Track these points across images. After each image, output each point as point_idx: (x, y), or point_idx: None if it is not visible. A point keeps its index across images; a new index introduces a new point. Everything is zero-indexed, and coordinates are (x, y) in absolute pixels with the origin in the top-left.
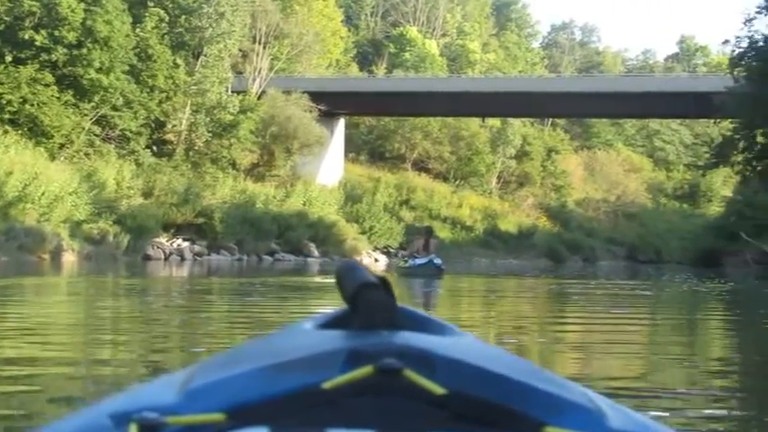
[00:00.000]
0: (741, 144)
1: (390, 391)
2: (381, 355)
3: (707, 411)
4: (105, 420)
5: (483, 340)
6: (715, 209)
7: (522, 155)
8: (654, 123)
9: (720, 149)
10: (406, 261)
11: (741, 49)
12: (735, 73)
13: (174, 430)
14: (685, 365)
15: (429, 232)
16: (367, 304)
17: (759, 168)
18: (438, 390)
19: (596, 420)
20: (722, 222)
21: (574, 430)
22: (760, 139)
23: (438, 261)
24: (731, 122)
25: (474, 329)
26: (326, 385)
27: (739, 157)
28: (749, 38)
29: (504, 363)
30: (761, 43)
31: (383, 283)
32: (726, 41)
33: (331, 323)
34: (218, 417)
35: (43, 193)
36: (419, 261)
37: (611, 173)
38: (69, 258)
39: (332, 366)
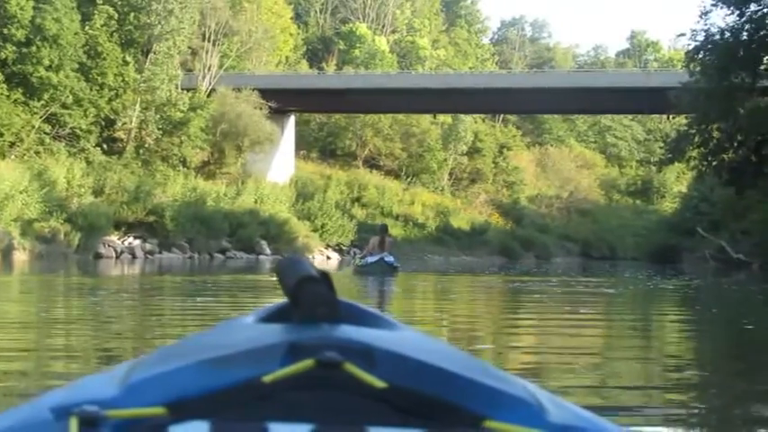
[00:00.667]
0: (696, 139)
1: (331, 385)
2: (322, 349)
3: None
4: (46, 414)
5: (425, 334)
6: (668, 205)
7: (473, 151)
8: (606, 119)
9: (676, 145)
10: (361, 259)
11: (697, 43)
12: (690, 67)
13: (114, 424)
14: (644, 362)
15: (384, 230)
16: (308, 298)
17: (715, 164)
18: (378, 383)
19: (537, 414)
20: (678, 218)
21: (514, 424)
22: (716, 134)
23: (390, 259)
24: (686, 118)
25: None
26: (267, 379)
27: (695, 153)
28: (705, 31)
29: (446, 357)
30: (717, 37)
31: (324, 278)
32: (681, 35)
33: (272, 317)
34: (158, 410)
35: None
36: (371, 259)
37: (564, 169)
38: (20, 257)
39: (272, 360)
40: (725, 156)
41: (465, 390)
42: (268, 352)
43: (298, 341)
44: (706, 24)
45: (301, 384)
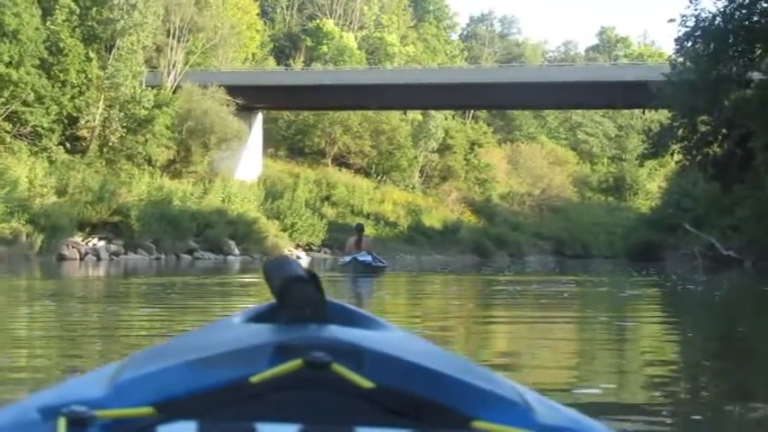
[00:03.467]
0: (680, 133)
1: (318, 385)
2: (310, 349)
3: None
4: (34, 414)
5: (413, 334)
6: (642, 202)
7: (444, 148)
8: (577, 115)
9: (659, 138)
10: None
11: (687, 29)
12: (676, 56)
13: (102, 424)
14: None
15: (360, 230)
16: (295, 298)
17: (699, 158)
18: (366, 384)
19: (525, 415)
20: (659, 215)
21: (502, 425)
22: (700, 127)
23: (365, 258)
24: (670, 110)
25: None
26: (254, 379)
27: (678, 146)
28: (695, 16)
29: (434, 357)
30: (706, 23)
31: (312, 278)
32: (671, 20)
33: (259, 317)
34: (146, 410)
35: None
36: (346, 259)
37: (536, 166)
38: None
39: (260, 360)
40: (710, 149)
41: (453, 390)
42: (256, 352)
43: (285, 341)
44: (696, 9)
45: (289, 385)
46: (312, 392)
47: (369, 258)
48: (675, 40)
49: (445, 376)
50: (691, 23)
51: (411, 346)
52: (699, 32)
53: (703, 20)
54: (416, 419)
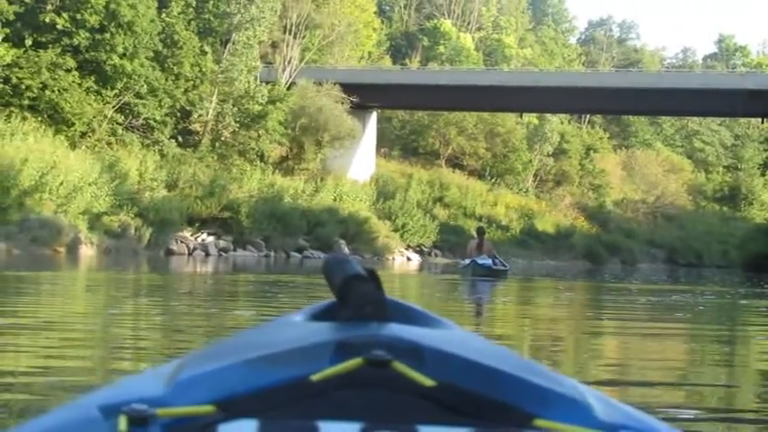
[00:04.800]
0: None
1: (379, 383)
2: (370, 347)
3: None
4: (94, 412)
5: (473, 333)
6: (756, 212)
7: (559, 153)
8: (693, 123)
9: None
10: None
11: None
12: None
13: (163, 422)
14: None
15: (481, 233)
16: (356, 296)
17: None
18: (427, 382)
19: (586, 413)
20: None
21: (563, 423)
22: None
23: (485, 261)
24: None
25: None
26: (315, 377)
27: None
28: None
29: (494, 355)
30: None
31: (372, 276)
32: None
33: (320, 315)
34: (207, 408)
35: (61, 183)
36: (465, 262)
37: (650, 173)
38: (87, 252)
39: (321, 358)
40: None
41: (514, 388)
42: (316, 350)
43: (346, 340)
44: None
45: (350, 383)
46: (373, 391)
47: (489, 262)
48: None
49: (506, 374)
50: None
51: (471, 345)
52: None
53: None
54: (477, 417)
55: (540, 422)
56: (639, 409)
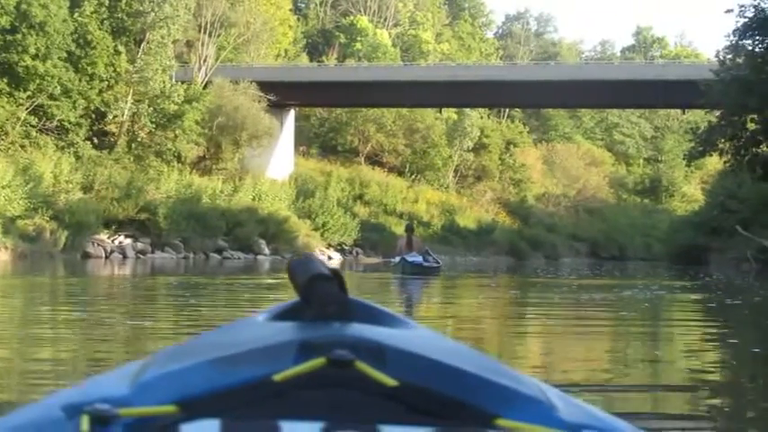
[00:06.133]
0: (729, 132)
1: (342, 383)
2: (333, 347)
3: None
4: (57, 413)
5: (437, 332)
6: (678, 204)
7: (479, 148)
8: (613, 116)
9: (707, 137)
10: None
11: (746, 20)
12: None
13: (125, 422)
14: None
15: (410, 230)
16: (319, 296)
17: (748, 158)
18: (389, 381)
19: (547, 412)
20: (702, 217)
21: (525, 423)
22: (750, 125)
23: (414, 258)
24: (717, 109)
25: None
26: (278, 377)
27: (727, 145)
28: (755, 7)
29: (457, 355)
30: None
31: (336, 276)
32: (729, 11)
33: (283, 315)
34: (169, 408)
35: None
36: (395, 260)
37: (571, 167)
38: (1, 257)
39: (284, 358)
40: (759, 149)
41: (476, 388)
42: (279, 350)
43: (309, 339)
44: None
45: (313, 383)
46: (335, 390)
47: (419, 259)
48: (733, 32)
49: (468, 374)
50: (749, 14)
51: (434, 344)
52: (754, 25)
53: (761, 10)
54: (439, 417)
55: (502, 422)
56: (602, 409)
